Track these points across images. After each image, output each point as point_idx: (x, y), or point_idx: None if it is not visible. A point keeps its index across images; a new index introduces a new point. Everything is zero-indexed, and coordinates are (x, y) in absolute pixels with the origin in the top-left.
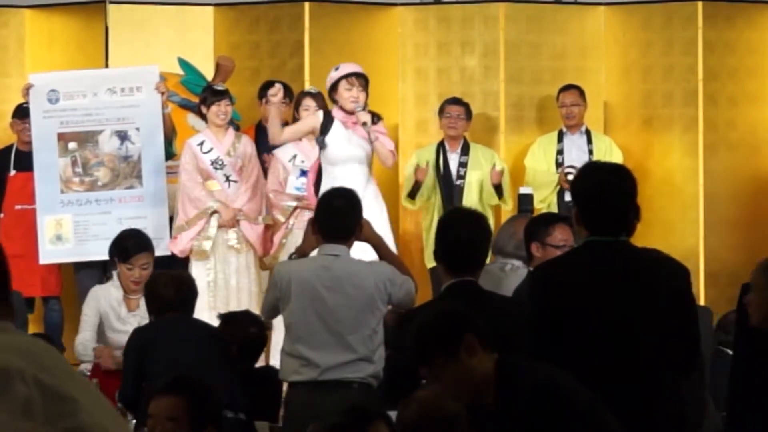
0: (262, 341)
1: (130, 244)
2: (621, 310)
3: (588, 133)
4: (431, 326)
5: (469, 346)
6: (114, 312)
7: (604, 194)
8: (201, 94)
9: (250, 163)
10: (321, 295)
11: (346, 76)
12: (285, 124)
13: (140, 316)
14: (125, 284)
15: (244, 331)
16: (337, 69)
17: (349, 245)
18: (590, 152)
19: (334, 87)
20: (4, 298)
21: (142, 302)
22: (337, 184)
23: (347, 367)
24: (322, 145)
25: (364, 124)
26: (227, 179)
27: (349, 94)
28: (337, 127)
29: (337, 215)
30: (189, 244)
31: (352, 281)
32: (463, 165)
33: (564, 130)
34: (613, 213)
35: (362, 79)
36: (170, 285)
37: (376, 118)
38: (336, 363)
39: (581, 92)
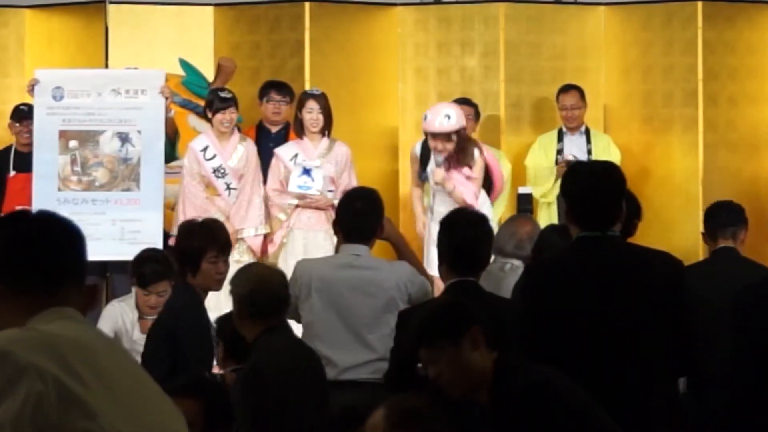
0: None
1: (148, 272)
2: (611, 305)
3: (587, 132)
4: (441, 311)
5: (474, 338)
6: (127, 334)
7: (592, 190)
8: (208, 98)
9: (250, 171)
10: (341, 293)
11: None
12: (287, 124)
13: None
14: (141, 307)
15: (230, 330)
16: (426, 119)
17: (371, 245)
18: (589, 152)
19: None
20: (75, 282)
21: None
22: (440, 211)
23: (366, 366)
24: (425, 179)
25: (436, 183)
26: (228, 187)
27: (433, 144)
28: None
29: (359, 216)
30: None
31: (373, 281)
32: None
33: (564, 129)
34: (601, 208)
35: (445, 135)
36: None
37: (464, 155)
38: (355, 362)
39: (581, 93)
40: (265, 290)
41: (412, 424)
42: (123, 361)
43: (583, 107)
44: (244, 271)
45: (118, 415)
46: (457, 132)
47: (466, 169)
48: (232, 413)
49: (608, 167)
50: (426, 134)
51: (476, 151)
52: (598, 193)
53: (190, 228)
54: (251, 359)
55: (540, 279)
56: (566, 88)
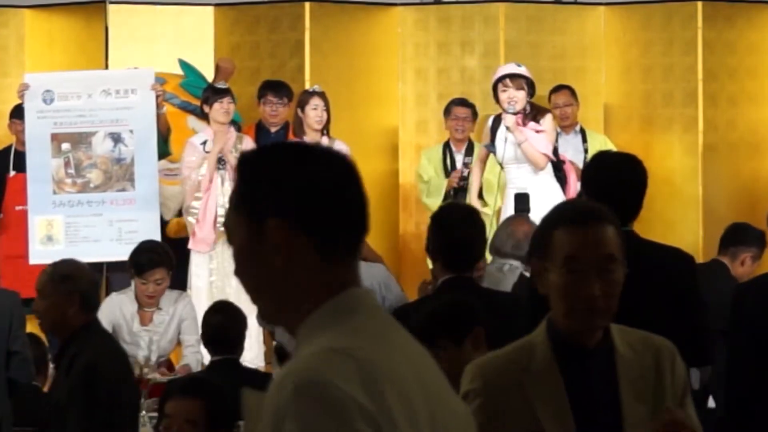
0: (224, 331)
1: (145, 260)
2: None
3: (583, 132)
4: (445, 309)
5: (476, 338)
6: (127, 325)
7: (613, 185)
8: (203, 94)
9: None
10: None
11: (501, 79)
12: (286, 123)
13: (152, 332)
14: (140, 298)
15: (205, 320)
16: (497, 73)
17: None
18: (585, 151)
19: (494, 90)
20: (351, 256)
21: (156, 317)
22: (512, 186)
23: None
24: (490, 150)
25: (507, 128)
26: (222, 181)
27: (504, 96)
28: (502, 129)
29: None
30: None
31: None
32: (466, 165)
33: (559, 130)
34: (615, 203)
35: (520, 79)
36: None
37: (535, 113)
38: None
39: (572, 92)
40: (96, 282)
41: None
42: (433, 377)
43: (575, 104)
44: (79, 266)
45: None
46: (530, 85)
47: (532, 123)
48: (234, 413)
49: (631, 161)
50: (497, 93)
51: (548, 116)
52: (616, 187)
53: None
54: (85, 357)
55: None
56: (557, 88)
